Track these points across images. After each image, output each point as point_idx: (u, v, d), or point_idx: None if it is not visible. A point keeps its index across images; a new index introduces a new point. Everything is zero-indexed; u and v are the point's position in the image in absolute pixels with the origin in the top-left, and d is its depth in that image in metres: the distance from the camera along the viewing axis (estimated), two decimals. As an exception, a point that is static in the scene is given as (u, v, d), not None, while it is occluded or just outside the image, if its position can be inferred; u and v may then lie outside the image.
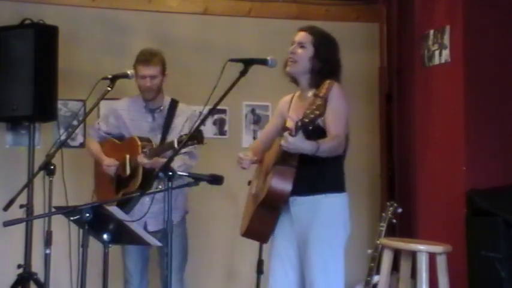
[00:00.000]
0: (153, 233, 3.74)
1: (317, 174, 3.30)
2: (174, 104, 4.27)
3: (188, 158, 4.12)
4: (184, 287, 4.28)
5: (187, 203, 4.37)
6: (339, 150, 3.29)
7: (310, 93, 3.37)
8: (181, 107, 4.26)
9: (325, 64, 3.38)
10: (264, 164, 3.55)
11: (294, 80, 3.50)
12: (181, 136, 3.67)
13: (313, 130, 3.03)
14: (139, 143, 4.05)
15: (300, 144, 3.06)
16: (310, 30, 3.45)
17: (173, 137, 4.09)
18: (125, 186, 4.11)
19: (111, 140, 4.31)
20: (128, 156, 4.12)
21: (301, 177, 3.25)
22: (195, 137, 3.34)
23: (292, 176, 3.24)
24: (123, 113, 4.26)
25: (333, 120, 3.22)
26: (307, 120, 2.94)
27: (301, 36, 3.43)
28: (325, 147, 3.15)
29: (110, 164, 4.17)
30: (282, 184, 3.24)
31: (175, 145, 3.67)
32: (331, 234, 3.30)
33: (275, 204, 3.32)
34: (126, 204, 3.89)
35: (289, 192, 3.26)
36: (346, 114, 3.32)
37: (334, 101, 3.17)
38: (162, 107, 4.24)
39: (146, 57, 4.14)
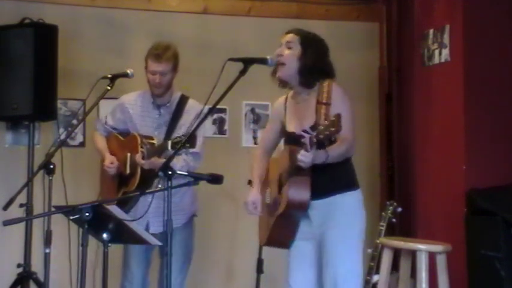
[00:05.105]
0: (155, 235, 3.54)
1: (330, 177, 3.29)
2: (183, 100, 4.07)
3: (192, 159, 3.93)
4: None
5: (197, 204, 4.20)
6: (350, 153, 3.31)
7: (306, 95, 3.37)
8: (191, 103, 4.07)
9: (315, 63, 3.34)
10: (272, 172, 3.52)
11: (284, 85, 3.45)
12: (175, 138, 3.42)
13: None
14: (139, 141, 3.90)
15: (313, 157, 3.07)
16: (297, 31, 3.42)
17: (180, 134, 3.91)
18: (125, 184, 4.01)
19: (114, 135, 4.16)
20: (128, 155, 4.00)
21: (315, 182, 3.23)
22: (189, 140, 3.20)
23: (308, 185, 3.22)
24: (130, 108, 4.10)
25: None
26: (322, 136, 2.94)
27: (288, 37, 3.40)
28: (335, 153, 3.17)
29: (109, 165, 4.04)
30: (300, 195, 3.23)
31: (169, 147, 3.43)
32: (349, 233, 3.31)
33: (296, 214, 3.32)
34: (125, 203, 3.88)
35: (309, 201, 3.24)
36: (352, 114, 3.29)
37: (338, 104, 3.20)
38: (169, 103, 4.06)
39: (158, 52, 3.93)
